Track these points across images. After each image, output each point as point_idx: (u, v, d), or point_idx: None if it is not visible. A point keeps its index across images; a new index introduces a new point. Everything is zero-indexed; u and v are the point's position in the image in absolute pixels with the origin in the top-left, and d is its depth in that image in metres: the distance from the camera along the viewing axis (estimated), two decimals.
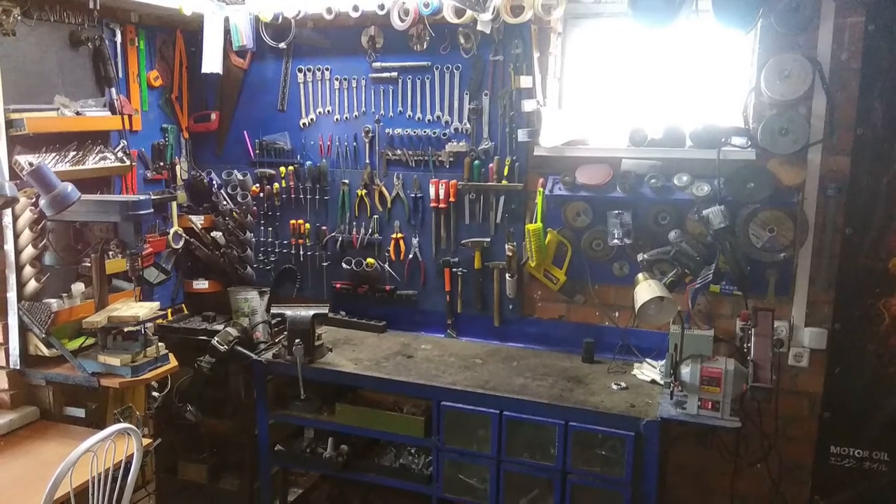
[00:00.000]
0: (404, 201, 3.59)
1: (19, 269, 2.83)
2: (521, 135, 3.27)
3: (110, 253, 3.10)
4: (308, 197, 3.73)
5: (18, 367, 2.88)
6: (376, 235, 3.66)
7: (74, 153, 3.04)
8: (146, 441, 2.76)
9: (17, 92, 2.84)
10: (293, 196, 3.75)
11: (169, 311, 3.67)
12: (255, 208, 3.73)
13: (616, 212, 3.12)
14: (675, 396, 2.72)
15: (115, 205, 2.86)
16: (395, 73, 3.48)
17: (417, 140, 3.52)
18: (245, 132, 3.81)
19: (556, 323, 3.44)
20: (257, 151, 3.79)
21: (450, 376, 3.07)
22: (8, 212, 2.78)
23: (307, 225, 3.76)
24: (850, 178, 2.87)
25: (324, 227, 3.75)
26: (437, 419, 2.98)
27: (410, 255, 3.61)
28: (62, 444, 2.68)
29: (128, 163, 3.28)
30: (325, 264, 3.77)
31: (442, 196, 3.49)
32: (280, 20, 3.54)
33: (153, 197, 3.21)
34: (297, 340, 3.14)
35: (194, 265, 3.77)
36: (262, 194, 3.78)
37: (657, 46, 3.13)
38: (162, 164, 3.65)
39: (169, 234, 3.58)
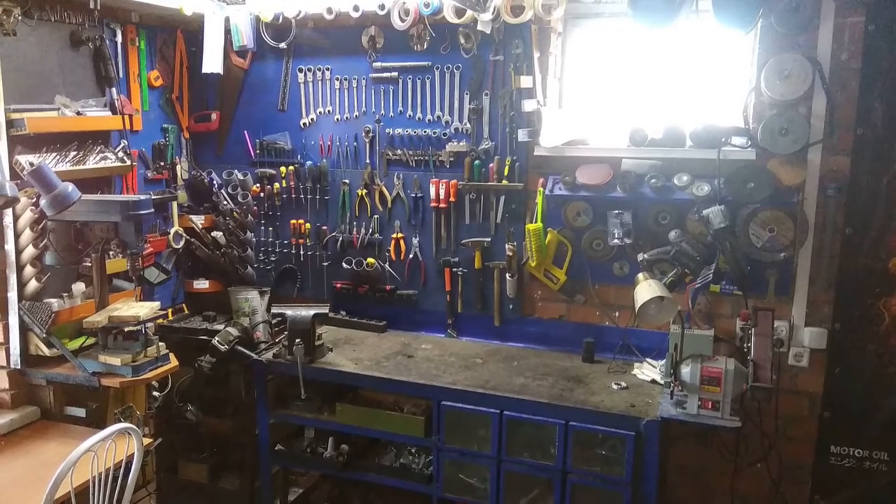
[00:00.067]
0: (405, 201, 3.59)
1: (20, 268, 2.84)
2: (522, 135, 3.27)
3: (111, 253, 3.09)
4: (308, 197, 3.73)
5: (19, 367, 2.88)
6: (377, 235, 3.66)
7: (75, 153, 3.04)
8: (147, 441, 2.76)
9: (17, 92, 2.84)
10: (293, 196, 3.75)
11: (169, 310, 3.67)
12: (255, 208, 3.74)
13: (616, 212, 3.12)
14: (675, 396, 2.72)
15: (116, 205, 2.86)
16: (395, 73, 3.48)
17: (418, 140, 3.52)
18: (245, 132, 3.81)
19: (556, 323, 3.44)
20: (258, 151, 3.79)
21: (450, 376, 3.07)
22: (9, 212, 2.78)
23: (308, 225, 3.76)
24: (850, 178, 2.87)
25: (324, 227, 3.75)
26: (438, 419, 2.98)
27: (411, 255, 3.61)
28: (63, 443, 2.68)
29: (128, 163, 3.29)
30: (325, 264, 3.77)
31: (442, 196, 3.49)
32: (280, 20, 3.54)
33: (154, 197, 3.21)
34: (297, 340, 3.14)
35: (195, 265, 3.77)
36: (262, 194, 3.79)
37: (657, 46, 3.13)
38: (162, 163, 3.65)
39: (169, 233, 3.58)
